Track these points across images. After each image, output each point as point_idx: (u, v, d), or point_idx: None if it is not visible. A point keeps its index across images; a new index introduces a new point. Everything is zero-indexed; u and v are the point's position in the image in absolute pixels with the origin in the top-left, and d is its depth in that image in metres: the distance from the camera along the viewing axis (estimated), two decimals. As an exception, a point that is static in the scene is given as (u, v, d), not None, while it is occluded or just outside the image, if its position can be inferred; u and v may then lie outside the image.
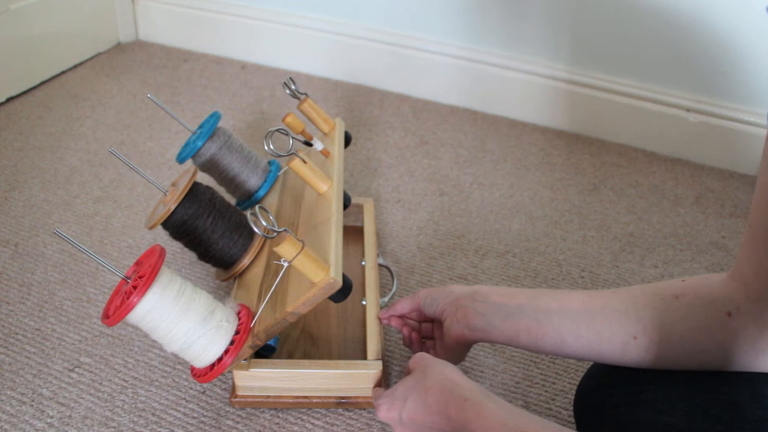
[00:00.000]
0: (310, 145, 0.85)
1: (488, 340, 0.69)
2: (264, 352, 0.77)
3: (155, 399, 0.77)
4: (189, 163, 0.87)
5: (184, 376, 0.80)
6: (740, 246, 0.56)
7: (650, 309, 0.59)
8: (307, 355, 0.81)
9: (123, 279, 0.63)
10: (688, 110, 1.27)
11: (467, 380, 0.61)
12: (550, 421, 0.53)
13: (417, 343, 0.78)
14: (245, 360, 0.72)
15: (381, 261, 0.94)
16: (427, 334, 0.79)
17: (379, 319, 0.80)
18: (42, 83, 1.43)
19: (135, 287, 0.61)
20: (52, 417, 0.74)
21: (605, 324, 0.61)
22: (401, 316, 0.80)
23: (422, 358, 0.66)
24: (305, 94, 0.89)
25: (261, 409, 0.76)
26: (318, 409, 0.76)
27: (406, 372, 0.68)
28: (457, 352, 0.74)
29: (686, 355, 0.58)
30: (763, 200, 0.51)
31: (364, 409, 0.77)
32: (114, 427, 0.74)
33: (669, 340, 0.58)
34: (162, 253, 0.64)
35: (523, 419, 0.54)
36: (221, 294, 0.92)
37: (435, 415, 0.59)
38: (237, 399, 0.75)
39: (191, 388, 0.79)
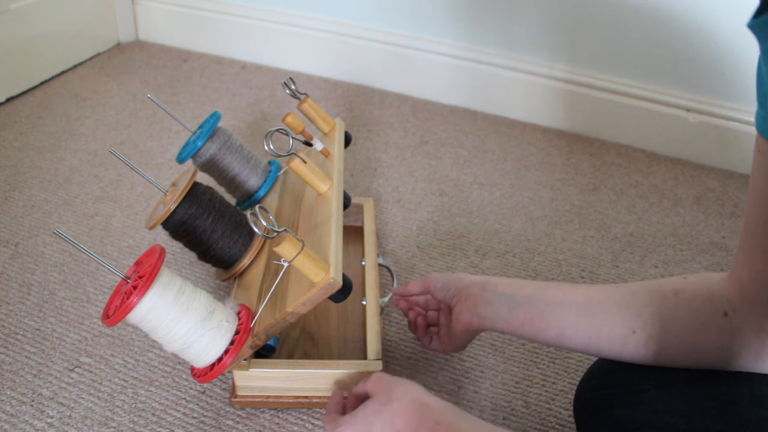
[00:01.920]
0: (310, 145, 0.85)
1: (494, 328, 0.70)
2: (264, 352, 0.77)
3: (155, 399, 0.77)
4: (189, 163, 0.87)
5: (184, 376, 0.80)
6: (737, 248, 0.56)
7: (650, 304, 0.60)
8: (307, 355, 0.81)
9: (123, 279, 0.64)
10: (688, 110, 1.27)
11: (436, 399, 0.58)
12: None
13: (422, 329, 0.79)
14: (245, 360, 0.72)
15: (381, 261, 0.94)
16: (432, 322, 0.80)
17: (394, 304, 0.81)
18: (42, 83, 1.43)
19: (135, 287, 0.61)
20: (52, 417, 0.74)
21: (606, 318, 0.62)
22: (409, 300, 0.81)
23: (382, 378, 0.62)
24: (305, 94, 0.89)
25: (261, 409, 0.76)
26: (318, 409, 0.76)
27: (356, 395, 0.65)
28: (462, 339, 0.75)
29: (684, 352, 0.59)
30: (756, 204, 0.51)
31: (364, 409, 0.77)
32: (114, 427, 0.74)
33: (667, 336, 0.59)
34: (162, 253, 0.64)
35: None
36: (221, 294, 0.92)
37: None
38: (237, 399, 0.75)
39: (191, 388, 0.79)
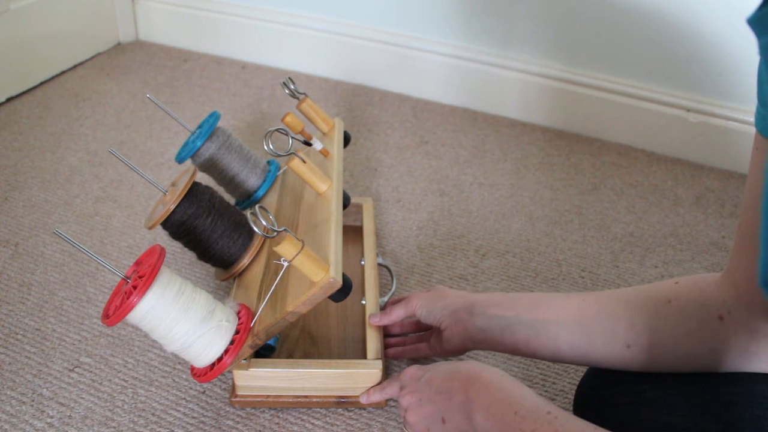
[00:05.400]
0: (310, 144, 0.85)
1: (488, 349, 0.71)
2: (264, 352, 0.77)
3: (155, 399, 0.77)
4: (188, 163, 0.87)
5: (184, 376, 0.80)
6: (732, 249, 0.56)
7: (643, 314, 0.59)
8: (306, 355, 0.81)
9: (123, 279, 0.64)
10: (688, 110, 1.27)
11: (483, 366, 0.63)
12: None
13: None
14: (245, 360, 0.72)
15: (380, 260, 0.94)
16: (425, 327, 0.82)
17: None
18: (42, 83, 1.43)
19: (135, 287, 0.61)
20: (52, 417, 0.74)
21: (599, 332, 0.61)
22: (400, 332, 0.84)
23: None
24: (304, 93, 0.89)
25: (261, 409, 0.76)
26: (318, 409, 0.76)
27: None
28: (456, 354, 0.77)
29: (678, 359, 0.59)
30: (752, 204, 0.51)
31: (364, 409, 0.77)
32: (114, 427, 0.74)
33: (661, 344, 0.59)
34: (162, 253, 0.64)
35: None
36: (221, 294, 0.92)
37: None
38: (237, 399, 0.75)
39: (191, 388, 0.79)
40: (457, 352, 0.74)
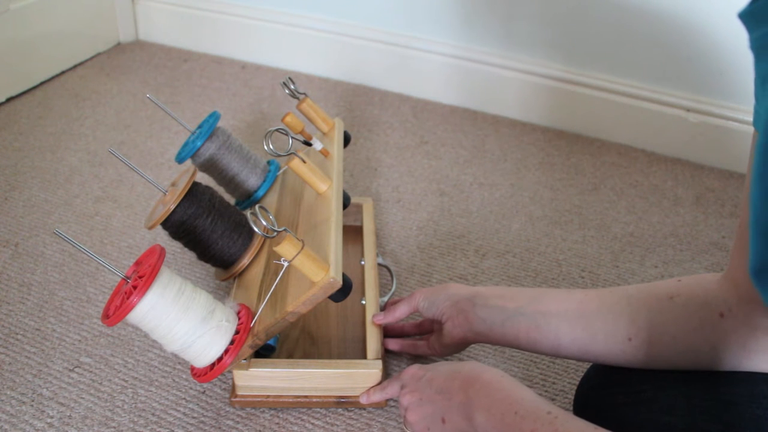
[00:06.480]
0: (310, 144, 0.85)
1: (488, 341, 0.71)
2: (264, 352, 0.77)
3: (155, 399, 0.77)
4: (188, 163, 0.87)
5: (184, 376, 0.80)
6: (732, 248, 0.56)
7: (645, 310, 0.60)
8: (306, 355, 0.81)
9: (123, 279, 0.64)
10: (688, 110, 1.27)
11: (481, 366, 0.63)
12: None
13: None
14: (245, 360, 0.72)
15: (380, 260, 0.94)
16: (427, 329, 0.82)
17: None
18: (42, 83, 1.43)
19: (135, 287, 0.61)
20: (52, 417, 0.74)
21: (601, 326, 0.61)
22: (401, 333, 0.84)
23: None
24: (304, 93, 0.89)
25: (261, 409, 0.76)
26: (318, 409, 0.76)
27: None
28: (454, 351, 0.76)
29: (678, 355, 0.59)
30: None
31: (364, 409, 0.77)
32: (114, 427, 0.74)
33: (662, 340, 0.59)
34: (162, 253, 0.64)
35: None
36: (221, 294, 0.92)
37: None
38: (237, 399, 0.75)
39: (191, 388, 0.79)
40: (457, 345, 0.74)
